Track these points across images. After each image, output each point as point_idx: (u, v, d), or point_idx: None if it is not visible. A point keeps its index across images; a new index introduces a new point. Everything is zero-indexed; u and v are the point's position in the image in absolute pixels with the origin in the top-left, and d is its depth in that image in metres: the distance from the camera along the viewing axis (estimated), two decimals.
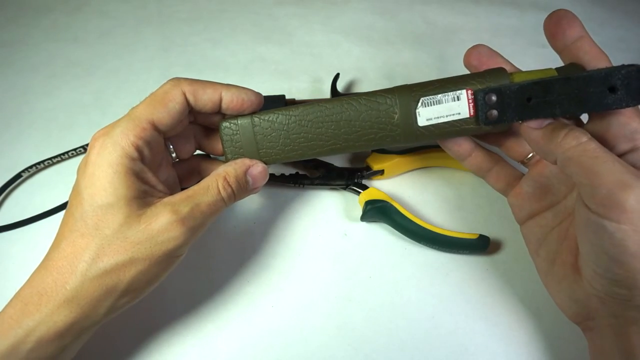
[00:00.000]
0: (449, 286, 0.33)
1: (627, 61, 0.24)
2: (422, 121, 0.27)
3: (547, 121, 0.25)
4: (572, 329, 0.28)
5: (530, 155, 0.30)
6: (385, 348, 0.31)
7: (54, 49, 0.50)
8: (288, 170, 0.38)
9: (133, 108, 0.27)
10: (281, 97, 0.41)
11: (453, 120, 0.27)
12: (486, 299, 0.33)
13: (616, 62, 0.24)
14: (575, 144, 0.23)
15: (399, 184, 0.38)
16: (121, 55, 0.50)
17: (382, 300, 0.33)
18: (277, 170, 0.38)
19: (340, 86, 0.43)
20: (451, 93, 0.27)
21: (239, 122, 0.29)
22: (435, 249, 0.35)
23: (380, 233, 0.36)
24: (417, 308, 0.32)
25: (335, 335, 0.31)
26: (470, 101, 0.27)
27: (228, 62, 0.49)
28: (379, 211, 0.35)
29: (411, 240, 0.35)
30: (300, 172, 0.38)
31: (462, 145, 0.30)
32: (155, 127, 0.26)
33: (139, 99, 0.42)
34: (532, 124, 0.25)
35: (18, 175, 0.39)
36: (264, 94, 0.42)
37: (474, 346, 0.31)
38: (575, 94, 0.24)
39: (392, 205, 0.35)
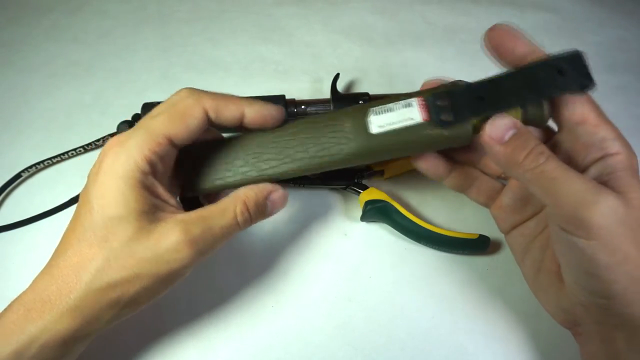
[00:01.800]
0: (449, 286, 0.33)
1: (628, 62, 0.24)
2: (374, 128, 0.27)
3: (508, 132, 0.24)
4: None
5: None
6: (385, 348, 0.31)
7: (54, 49, 0.50)
8: None
9: (150, 119, 0.26)
10: (281, 97, 0.41)
11: (407, 126, 0.26)
12: (486, 299, 0.33)
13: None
14: (534, 166, 0.23)
15: (399, 184, 0.38)
16: (121, 55, 0.50)
17: (382, 300, 0.33)
18: None
19: (340, 86, 0.43)
20: (402, 101, 0.27)
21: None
22: (435, 249, 0.35)
23: (380, 233, 0.36)
24: (417, 308, 0.32)
25: (335, 335, 0.31)
26: (422, 106, 0.26)
27: (228, 62, 0.49)
28: (379, 211, 0.35)
29: (411, 240, 0.35)
30: None
31: (439, 167, 0.29)
32: (171, 142, 0.26)
33: (139, 98, 0.42)
34: (493, 133, 0.24)
35: (18, 175, 0.39)
36: (264, 94, 0.42)
37: (474, 346, 0.31)
38: (527, 83, 0.24)
39: (392, 205, 0.35)
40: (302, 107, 0.41)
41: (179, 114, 0.26)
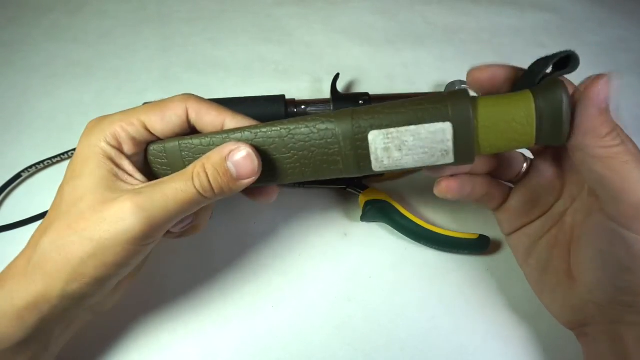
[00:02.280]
0: (449, 286, 0.33)
1: (628, 62, 0.24)
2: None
3: (605, 100, 0.22)
4: (571, 332, 0.28)
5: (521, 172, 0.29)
6: (385, 348, 0.31)
7: (54, 49, 0.50)
8: None
9: (135, 107, 0.27)
10: (281, 97, 0.41)
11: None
12: (486, 299, 0.33)
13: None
14: (613, 144, 0.21)
15: (399, 184, 0.38)
16: (121, 55, 0.50)
17: (382, 300, 0.33)
18: None
19: (340, 86, 0.43)
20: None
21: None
22: (435, 249, 0.35)
23: (380, 233, 0.36)
24: (417, 308, 0.32)
25: (335, 335, 0.31)
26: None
27: (228, 62, 0.49)
28: (379, 211, 0.35)
29: (411, 240, 0.35)
30: None
31: (465, 187, 0.28)
32: (145, 127, 0.26)
33: (139, 99, 0.42)
34: (597, 92, 0.22)
35: (18, 175, 0.39)
36: (264, 94, 0.42)
37: (474, 346, 0.31)
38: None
39: (392, 205, 0.35)
40: (302, 107, 0.41)
41: (160, 106, 0.27)
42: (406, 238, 0.35)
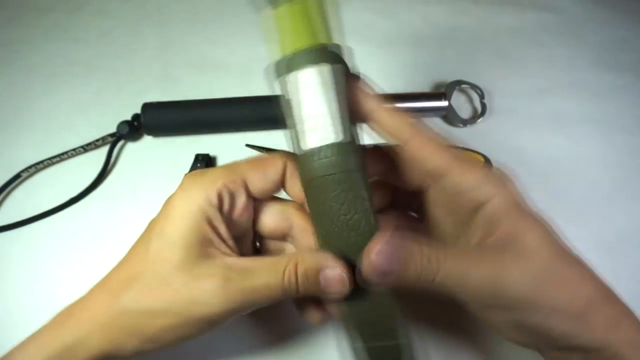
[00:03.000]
0: None
1: (629, 62, 0.23)
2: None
3: (394, 256, 0.21)
4: None
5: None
6: None
7: (53, 48, 0.50)
8: None
9: (235, 162, 0.26)
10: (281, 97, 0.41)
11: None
12: None
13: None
14: (431, 282, 0.21)
15: None
16: (121, 55, 0.50)
17: None
18: None
19: None
20: None
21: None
22: None
23: None
24: (417, 308, 0.32)
25: (335, 335, 0.31)
26: None
27: (228, 62, 0.49)
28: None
29: None
30: None
31: None
32: (245, 185, 0.25)
33: (139, 98, 0.42)
34: (378, 263, 0.21)
35: (18, 175, 0.39)
36: (264, 93, 0.42)
37: (474, 346, 0.31)
38: None
39: None
40: None
41: (259, 161, 0.26)
42: None
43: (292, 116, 0.23)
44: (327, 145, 0.22)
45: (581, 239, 0.25)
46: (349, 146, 0.23)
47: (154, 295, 0.23)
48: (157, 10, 0.54)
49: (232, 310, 0.23)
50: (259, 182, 0.26)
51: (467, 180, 0.23)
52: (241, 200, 0.25)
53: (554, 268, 0.22)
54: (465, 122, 0.43)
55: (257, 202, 0.27)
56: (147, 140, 0.43)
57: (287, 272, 0.23)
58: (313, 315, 0.27)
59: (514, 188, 0.23)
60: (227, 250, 0.24)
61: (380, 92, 0.44)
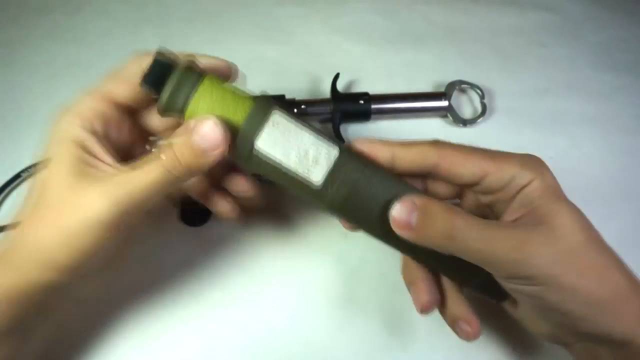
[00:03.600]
0: None
1: (629, 62, 0.23)
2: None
3: (413, 216, 0.23)
4: None
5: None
6: (386, 348, 0.31)
7: (54, 49, 0.50)
8: None
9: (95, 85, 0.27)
10: (281, 97, 0.41)
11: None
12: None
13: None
14: (453, 243, 0.22)
15: None
16: (121, 55, 0.49)
17: (382, 300, 0.33)
18: None
19: (340, 86, 0.43)
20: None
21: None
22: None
23: None
24: None
25: (335, 335, 0.31)
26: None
27: None
28: None
29: None
30: None
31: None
32: (113, 100, 0.26)
33: None
34: (398, 220, 0.23)
35: (18, 175, 0.39)
36: (264, 93, 0.42)
37: (475, 346, 0.31)
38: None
39: None
40: (302, 106, 0.41)
41: (118, 71, 0.27)
42: None
43: (285, 170, 0.24)
44: (333, 168, 0.24)
45: None
46: (345, 152, 0.24)
47: (39, 221, 0.24)
48: (157, 11, 0.54)
49: (119, 205, 0.23)
50: (124, 91, 0.26)
51: (505, 175, 0.23)
52: (111, 115, 0.26)
53: (583, 251, 0.22)
54: (465, 122, 0.43)
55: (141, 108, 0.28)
56: None
57: (162, 152, 0.24)
58: (222, 205, 0.29)
59: (550, 173, 0.24)
60: (106, 167, 0.25)
61: (380, 92, 0.44)
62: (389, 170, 0.25)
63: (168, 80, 0.24)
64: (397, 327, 0.32)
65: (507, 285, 0.23)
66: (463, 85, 0.45)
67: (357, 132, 0.43)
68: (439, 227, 0.22)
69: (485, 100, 0.44)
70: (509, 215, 0.24)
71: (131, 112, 0.28)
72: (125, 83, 0.26)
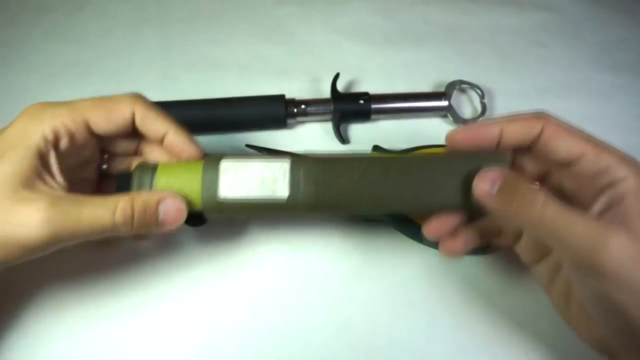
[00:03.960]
0: (449, 286, 0.33)
1: (628, 62, 0.23)
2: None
3: (496, 184, 0.23)
4: (570, 331, 0.28)
5: None
6: (386, 348, 0.31)
7: (53, 49, 0.50)
8: None
9: (81, 99, 0.26)
10: (281, 97, 0.41)
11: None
12: (487, 299, 0.33)
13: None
14: (530, 216, 0.22)
15: None
16: (121, 55, 0.50)
17: (382, 300, 0.33)
18: None
19: (340, 86, 0.43)
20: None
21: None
22: (435, 248, 0.35)
23: (380, 233, 0.36)
24: (417, 308, 0.32)
25: (335, 335, 0.31)
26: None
27: (228, 62, 0.49)
28: None
29: (411, 240, 0.35)
30: None
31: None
32: (87, 126, 0.26)
33: None
34: (480, 188, 0.24)
35: None
36: (264, 93, 0.42)
37: (475, 346, 0.31)
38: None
39: None
40: (302, 106, 0.41)
41: (107, 104, 0.26)
42: (406, 238, 0.35)
43: (255, 201, 0.26)
44: (292, 176, 0.26)
45: None
46: (296, 158, 0.27)
47: None
48: (157, 11, 0.54)
49: (55, 236, 0.23)
50: (102, 124, 0.26)
51: (601, 162, 0.23)
52: (80, 139, 0.26)
53: None
54: (465, 122, 0.43)
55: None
56: None
57: (121, 206, 0.24)
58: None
59: None
60: (55, 185, 0.25)
61: (380, 92, 0.44)
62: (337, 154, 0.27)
63: (132, 179, 0.27)
64: (396, 327, 0.32)
65: (576, 276, 0.23)
66: (463, 85, 0.45)
67: (357, 132, 0.43)
68: (520, 201, 0.22)
69: (485, 100, 0.44)
70: (595, 207, 0.23)
71: (98, 137, 0.28)
72: (108, 119, 0.26)
